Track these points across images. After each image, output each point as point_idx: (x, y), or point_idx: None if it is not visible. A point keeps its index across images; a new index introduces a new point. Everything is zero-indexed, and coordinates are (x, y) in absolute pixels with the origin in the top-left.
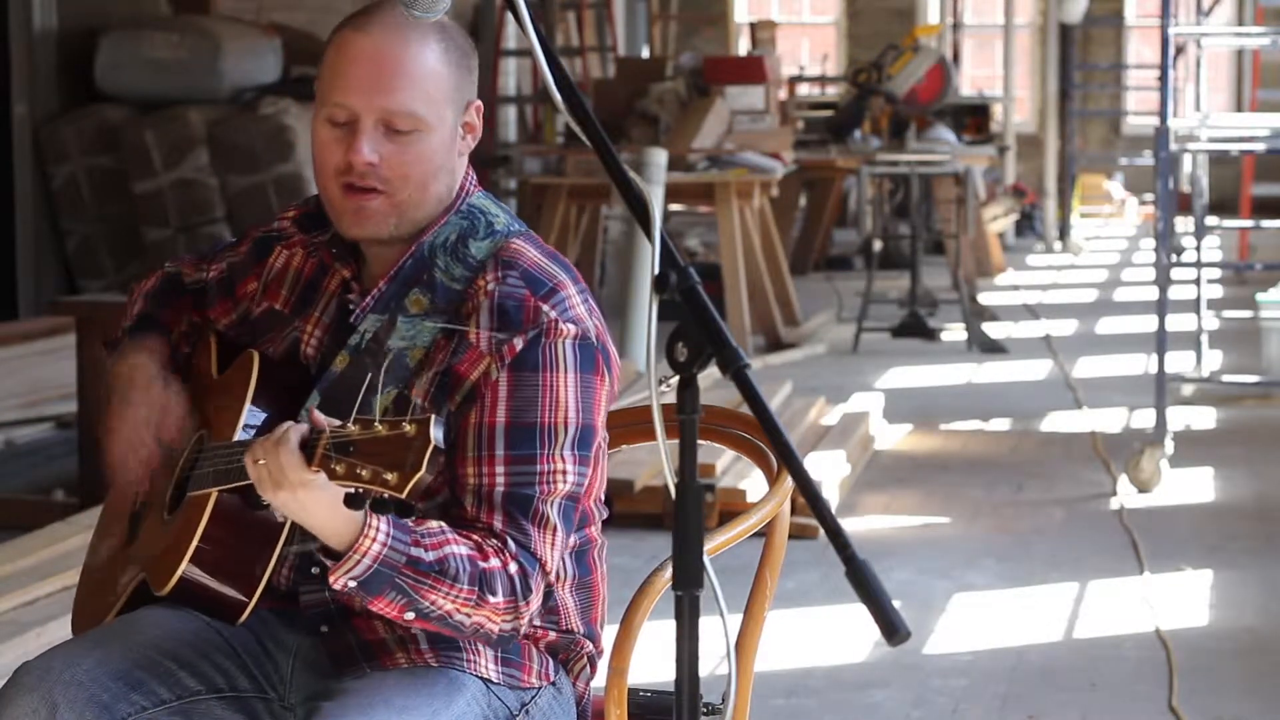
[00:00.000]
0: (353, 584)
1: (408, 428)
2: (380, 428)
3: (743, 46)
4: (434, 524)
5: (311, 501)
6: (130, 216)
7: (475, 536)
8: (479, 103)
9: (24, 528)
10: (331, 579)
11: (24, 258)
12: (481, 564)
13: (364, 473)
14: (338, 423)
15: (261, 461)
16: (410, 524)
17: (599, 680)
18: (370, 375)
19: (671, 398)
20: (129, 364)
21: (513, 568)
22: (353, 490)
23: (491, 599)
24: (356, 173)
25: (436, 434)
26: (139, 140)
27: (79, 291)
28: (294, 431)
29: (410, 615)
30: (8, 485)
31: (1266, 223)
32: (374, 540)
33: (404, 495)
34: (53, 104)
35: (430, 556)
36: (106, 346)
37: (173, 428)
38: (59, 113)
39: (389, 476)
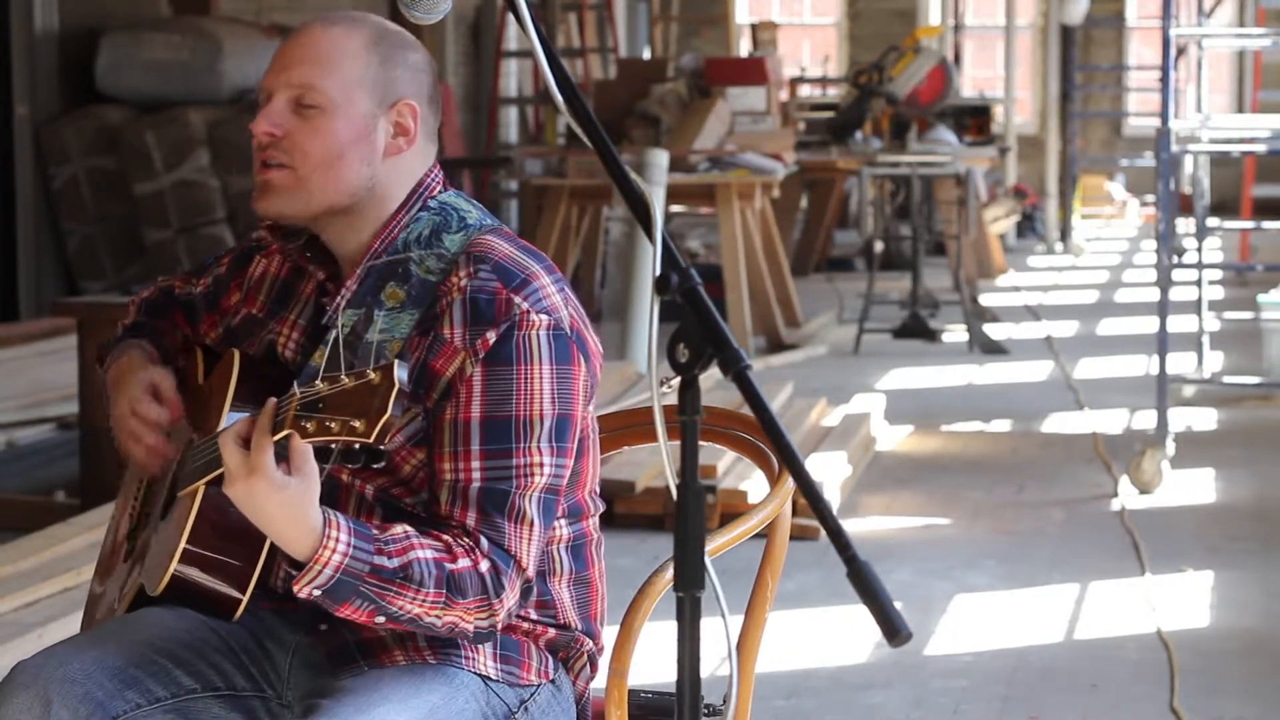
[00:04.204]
0: (317, 593)
1: (372, 375)
2: (346, 380)
3: (744, 48)
4: (399, 529)
5: (262, 497)
6: (131, 218)
7: (445, 537)
8: (412, 103)
9: (25, 529)
10: (295, 588)
11: (25, 259)
12: (449, 566)
13: (333, 425)
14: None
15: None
16: (374, 532)
17: (599, 680)
18: (346, 355)
19: (673, 399)
20: (117, 365)
21: (484, 566)
22: (329, 446)
23: (461, 600)
24: (261, 145)
25: (401, 375)
26: (140, 141)
27: (80, 293)
28: (242, 421)
29: (380, 619)
30: (9, 486)
31: (1267, 224)
32: (334, 550)
33: (372, 440)
34: (53, 105)
35: (394, 564)
36: (99, 358)
37: (168, 398)
38: (60, 114)
39: (357, 424)
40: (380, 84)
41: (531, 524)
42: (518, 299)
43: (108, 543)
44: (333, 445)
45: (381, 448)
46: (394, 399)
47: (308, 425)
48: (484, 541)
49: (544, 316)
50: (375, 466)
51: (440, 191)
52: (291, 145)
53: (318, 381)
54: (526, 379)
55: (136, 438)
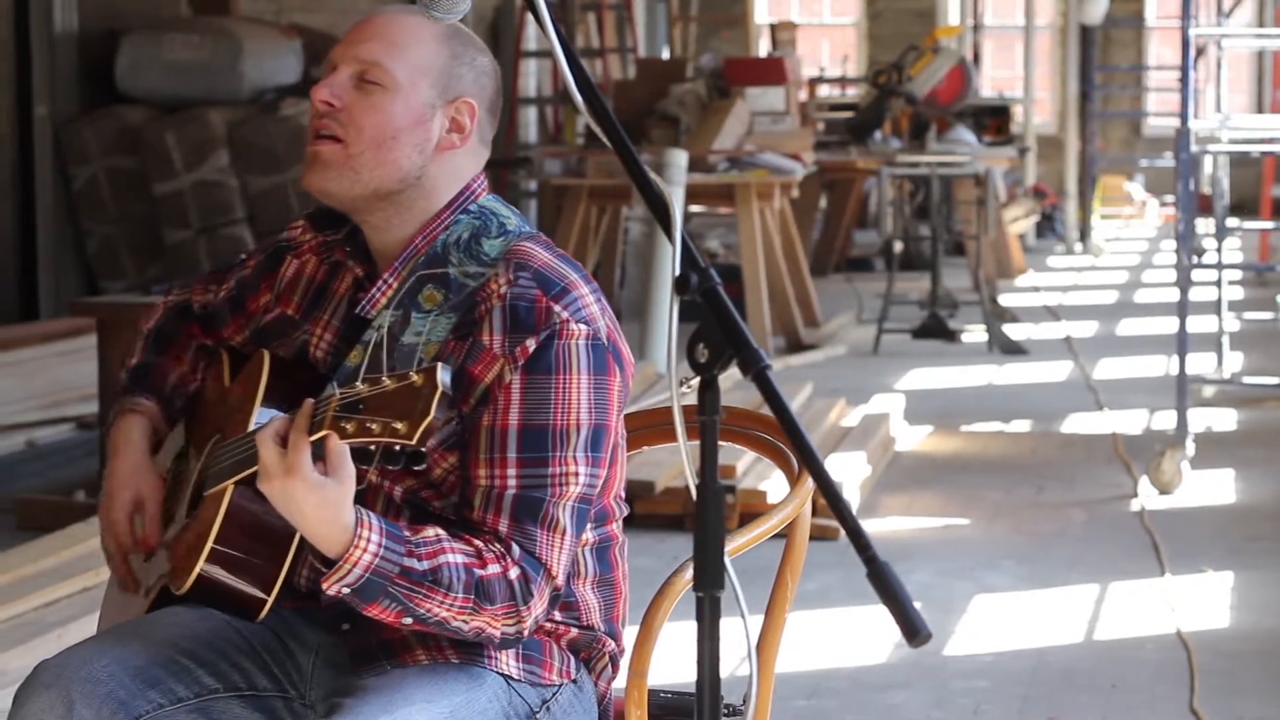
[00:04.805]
0: (346, 591)
1: (415, 377)
2: (388, 381)
3: (763, 48)
4: (430, 532)
5: (299, 496)
6: (151, 218)
7: (476, 542)
8: (472, 102)
9: (45, 529)
10: (324, 585)
11: (45, 259)
12: (479, 572)
13: (374, 426)
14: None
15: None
16: (405, 534)
17: (620, 680)
18: (385, 359)
19: (692, 399)
20: (118, 433)
21: (514, 573)
22: (368, 447)
23: (489, 606)
24: (318, 113)
25: (444, 378)
26: (159, 141)
27: (100, 292)
28: (279, 420)
29: (408, 620)
30: (29, 486)
31: None
32: (364, 550)
33: (414, 442)
34: (73, 105)
35: (424, 566)
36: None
37: (149, 523)
38: (80, 114)
39: (399, 426)
40: (445, 76)
41: (564, 533)
42: (557, 308)
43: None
44: (372, 447)
45: (423, 450)
46: (437, 402)
47: (347, 426)
48: (515, 549)
49: (583, 326)
50: (416, 469)
51: (482, 196)
52: (348, 119)
53: (358, 383)
54: (565, 388)
55: (110, 554)
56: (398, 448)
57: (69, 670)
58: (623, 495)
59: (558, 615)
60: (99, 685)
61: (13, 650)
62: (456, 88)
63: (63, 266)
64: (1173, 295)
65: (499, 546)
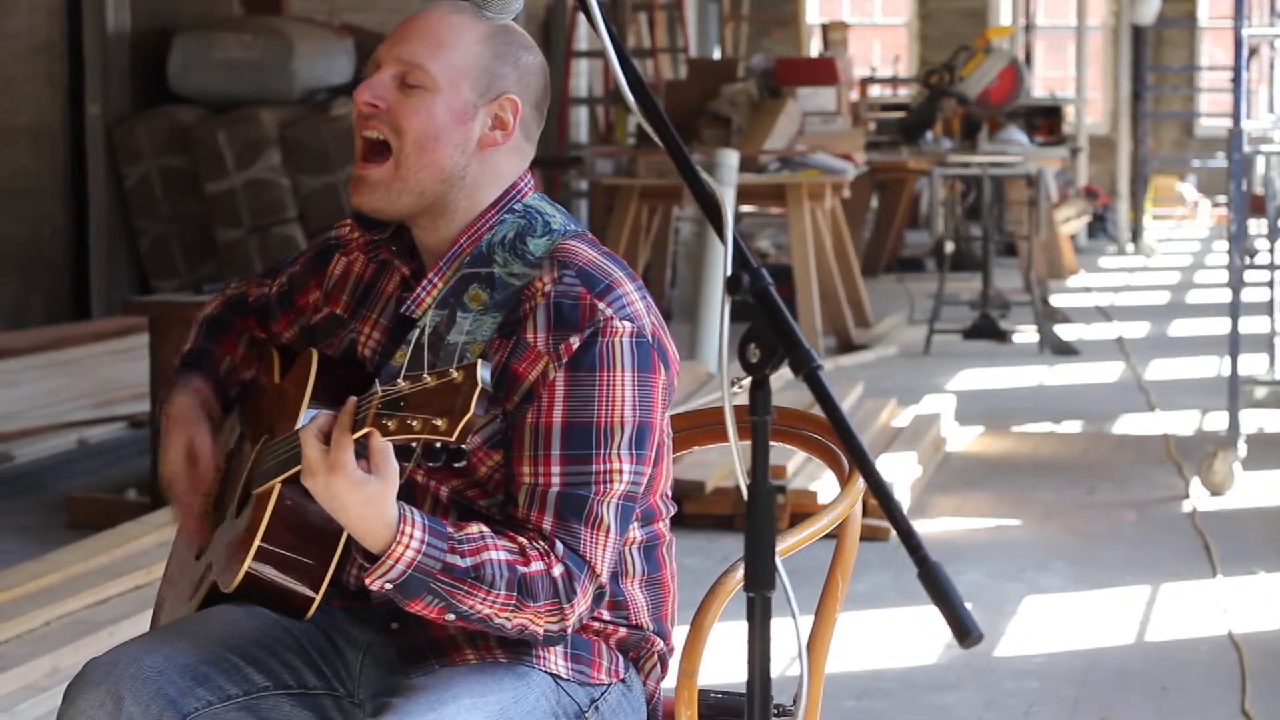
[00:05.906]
0: (389, 587)
1: (455, 374)
2: (429, 379)
3: (814, 48)
4: (474, 529)
5: (342, 493)
6: (203, 217)
7: (520, 540)
8: (515, 99)
9: (96, 527)
10: (367, 581)
11: (97, 258)
12: (522, 569)
13: (415, 423)
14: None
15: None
16: (449, 530)
17: (669, 680)
18: (428, 358)
19: (743, 399)
20: (172, 407)
21: (557, 570)
22: (410, 444)
23: (532, 603)
24: (362, 115)
25: (484, 375)
26: (211, 141)
27: (152, 291)
28: (323, 417)
29: (450, 617)
30: (80, 484)
31: None
32: (407, 547)
33: (455, 439)
34: (126, 105)
35: (466, 563)
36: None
37: (203, 464)
38: (132, 113)
39: (439, 423)
40: (486, 75)
41: (608, 530)
42: (601, 305)
43: (181, 538)
44: (413, 444)
45: (464, 447)
46: (477, 398)
47: (389, 423)
48: (559, 546)
49: (627, 323)
50: (456, 466)
51: (528, 196)
52: (391, 119)
53: (400, 380)
54: (609, 385)
55: (176, 513)
56: (438, 445)
57: (118, 668)
58: (669, 494)
59: (606, 614)
60: (148, 683)
61: (64, 648)
62: (499, 85)
63: (115, 265)
64: (1225, 296)
65: (543, 544)
